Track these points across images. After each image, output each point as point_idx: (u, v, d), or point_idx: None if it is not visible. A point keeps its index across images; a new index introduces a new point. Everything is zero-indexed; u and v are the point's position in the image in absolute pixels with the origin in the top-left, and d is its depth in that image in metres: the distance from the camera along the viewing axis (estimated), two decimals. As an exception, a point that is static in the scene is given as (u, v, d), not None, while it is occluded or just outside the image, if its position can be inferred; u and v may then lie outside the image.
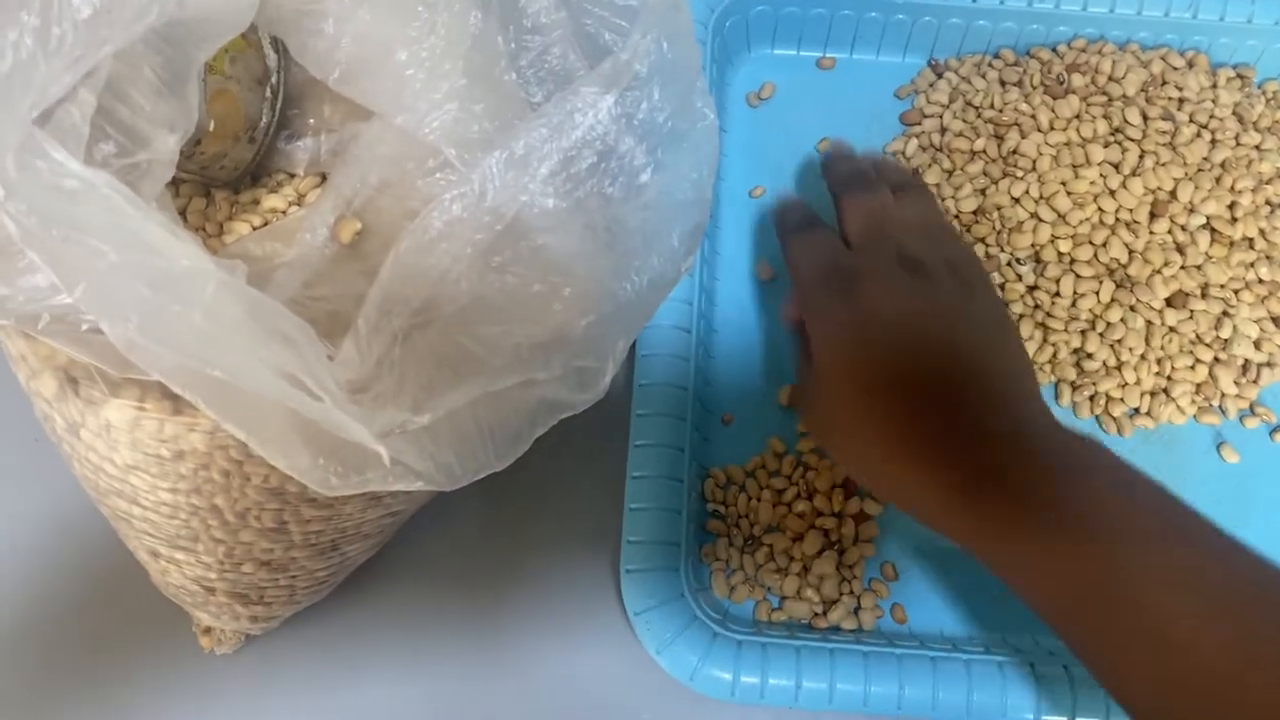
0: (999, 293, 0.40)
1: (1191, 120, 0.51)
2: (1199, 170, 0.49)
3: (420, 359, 0.32)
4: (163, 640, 0.44)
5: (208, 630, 0.42)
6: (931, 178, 0.51)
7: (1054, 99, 0.51)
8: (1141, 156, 0.49)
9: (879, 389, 0.37)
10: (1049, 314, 0.48)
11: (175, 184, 0.41)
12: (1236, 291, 0.48)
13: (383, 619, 0.45)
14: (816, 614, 0.44)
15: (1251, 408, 0.48)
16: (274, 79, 0.39)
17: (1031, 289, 0.48)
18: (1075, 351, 0.48)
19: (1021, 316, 0.48)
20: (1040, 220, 0.48)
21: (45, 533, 0.46)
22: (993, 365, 0.39)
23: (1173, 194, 0.49)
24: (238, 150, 0.39)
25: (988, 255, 0.49)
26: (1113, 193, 0.49)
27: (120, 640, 0.45)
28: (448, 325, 0.32)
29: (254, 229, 0.40)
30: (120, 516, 0.38)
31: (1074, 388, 0.48)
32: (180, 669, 0.44)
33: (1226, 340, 0.48)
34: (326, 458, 0.29)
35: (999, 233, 0.49)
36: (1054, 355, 0.48)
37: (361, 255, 0.36)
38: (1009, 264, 0.48)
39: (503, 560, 0.46)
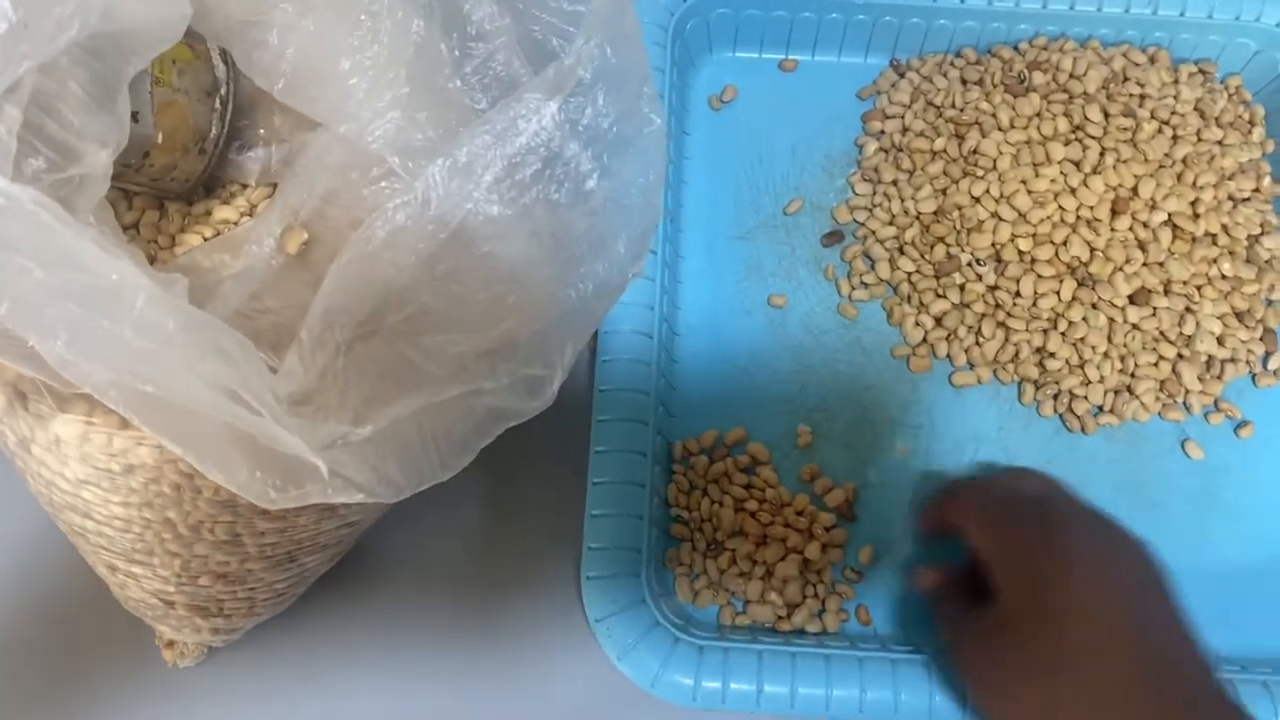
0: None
1: (1153, 116, 0.51)
2: (1160, 167, 0.49)
3: (363, 370, 0.31)
4: (127, 654, 0.44)
5: (170, 644, 0.42)
6: (891, 177, 0.51)
7: (1015, 97, 0.51)
8: (1102, 154, 0.49)
9: (1085, 646, 0.35)
10: (1010, 313, 0.47)
11: (129, 196, 0.41)
12: (1199, 288, 0.48)
13: (346, 629, 0.45)
14: (780, 617, 0.44)
15: (1215, 404, 0.48)
16: (223, 90, 0.39)
17: (992, 288, 0.48)
18: (1038, 350, 0.47)
19: (983, 316, 0.48)
20: (1000, 219, 0.48)
21: (6, 548, 0.46)
22: (1185, 637, 0.36)
23: (1134, 191, 0.49)
24: (188, 162, 0.39)
25: (949, 255, 0.49)
26: (1073, 190, 0.49)
27: (84, 655, 0.44)
28: (392, 336, 0.32)
29: (206, 240, 0.40)
30: (76, 531, 0.37)
31: (1037, 386, 0.48)
32: (144, 683, 0.44)
33: (1190, 337, 0.47)
34: (265, 471, 0.29)
35: (959, 232, 0.49)
36: (1016, 354, 0.48)
37: (309, 266, 0.36)
38: (969, 264, 0.48)
39: (467, 568, 0.46)
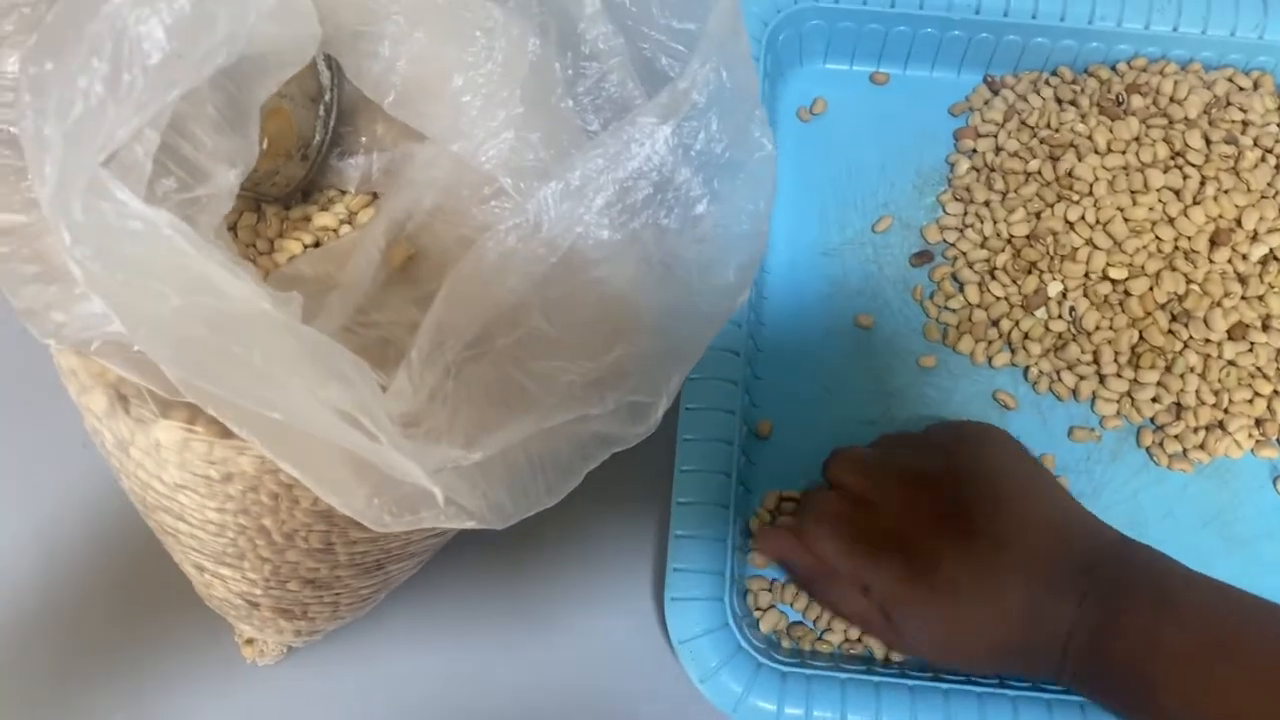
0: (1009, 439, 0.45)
1: (1256, 144, 0.49)
2: (1263, 197, 0.48)
3: (473, 393, 0.31)
4: (205, 649, 0.44)
5: (250, 641, 0.43)
6: (983, 197, 0.50)
7: (1112, 120, 0.50)
8: (1203, 183, 0.48)
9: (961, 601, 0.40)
10: (1099, 346, 0.47)
11: (226, 198, 0.41)
12: (1298, 323, 0.47)
13: (423, 632, 0.45)
14: (849, 640, 0.43)
15: (1310, 442, 0.47)
16: (327, 97, 0.39)
17: (1082, 320, 0.47)
18: (1130, 383, 0.47)
19: (1065, 345, 0.47)
20: (1095, 247, 0.47)
21: (90, 539, 0.46)
22: (1042, 515, 0.42)
23: (1236, 222, 0.48)
24: (290, 167, 0.39)
25: (1039, 286, 0.48)
26: (1172, 220, 0.48)
27: (163, 648, 0.45)
28: (501, 358, 0.32)
29: (304, 246, 0.40)
30: (167, 531, 0.38)
31: (1128, 421, 0.47)
32: (222, 678, 0.44)
33: (1287, 373, 0.46)
34: (380, 496, 0.29)
35: (1052, 259, 0.48)
36: (1104, 385, 0.47)
37: (413, 281, 0.36)
38: (1058, 299, 0.47)
39: (544, 582, 0.46)
